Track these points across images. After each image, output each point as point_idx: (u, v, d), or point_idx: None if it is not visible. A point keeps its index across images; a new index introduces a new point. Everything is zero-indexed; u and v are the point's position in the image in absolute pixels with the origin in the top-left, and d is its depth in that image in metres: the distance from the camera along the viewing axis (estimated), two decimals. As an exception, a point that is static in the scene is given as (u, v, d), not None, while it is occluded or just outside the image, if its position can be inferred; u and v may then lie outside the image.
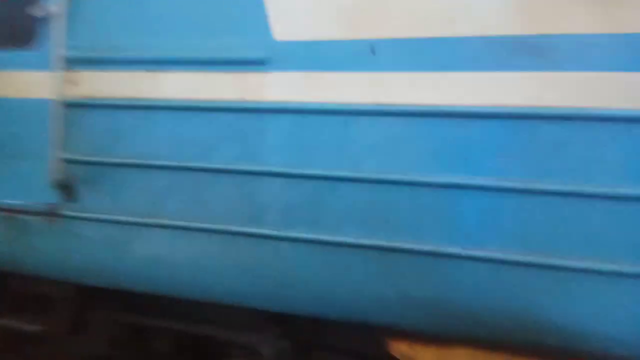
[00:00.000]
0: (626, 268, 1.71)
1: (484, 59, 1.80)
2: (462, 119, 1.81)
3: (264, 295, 2.21)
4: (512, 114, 1.75)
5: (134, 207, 2.35)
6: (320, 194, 2.04)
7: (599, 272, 1.75)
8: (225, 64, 2.17)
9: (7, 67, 2.61)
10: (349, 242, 2.00)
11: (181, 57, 2.26)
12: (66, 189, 2.47)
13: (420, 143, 1.89)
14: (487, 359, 2.02)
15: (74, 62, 2.44)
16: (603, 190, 1.71)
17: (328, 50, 2.00)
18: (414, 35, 1.88)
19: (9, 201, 2.57)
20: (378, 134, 1.94)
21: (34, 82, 2.53)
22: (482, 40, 1.80)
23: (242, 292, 2.24)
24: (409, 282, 1.96)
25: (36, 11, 2.48)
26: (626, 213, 1.69)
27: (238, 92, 2.16)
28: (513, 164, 1.78)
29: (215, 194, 2.20)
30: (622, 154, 1.64)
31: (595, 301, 1.79)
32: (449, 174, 1.85)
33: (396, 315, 2.02)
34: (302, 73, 2.09)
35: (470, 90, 1.81)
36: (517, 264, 1.82)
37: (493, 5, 1.76)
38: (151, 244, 2.34)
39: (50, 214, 2.52)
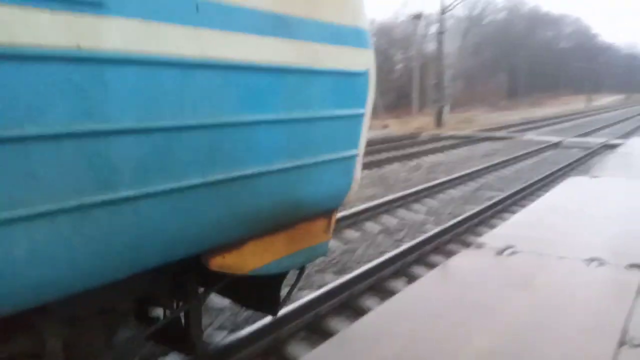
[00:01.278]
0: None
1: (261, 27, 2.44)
2: (254, 71, 2.45)
3: (124, 264, 2.06)
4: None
5: None
6: (169, 145, 2.08)
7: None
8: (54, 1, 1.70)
9: None
10: (196, 183, 2.20)
11: None
12: None
13: (233, 91, 2.33)
14: (269, 241, 2.84)
15: None
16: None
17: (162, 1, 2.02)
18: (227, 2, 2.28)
19: None
20: (208, 84, 2.22)
21: None
22: (258, 12, 2.44)
23: (101, 271, 1.99)
24: (239, 202, 2.46)
25: None
26: None
27: (72, 38, 1.75)
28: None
29: (52, 165, 1.75)
30: None
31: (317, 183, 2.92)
32: (252, 114, 2.43)
33: (224, 234, 2.48)
34: (140, 21, 1.94)
35: (255, 49, 2.43)
36: (285, 170, 2.66)
37: None
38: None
39: None
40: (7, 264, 1.67)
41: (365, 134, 3.31)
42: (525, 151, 16.52)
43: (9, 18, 1.60)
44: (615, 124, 32.11)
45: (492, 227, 7.40)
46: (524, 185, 10.83)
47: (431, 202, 9.59)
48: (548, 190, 8.77)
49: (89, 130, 1.83)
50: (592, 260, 4.78)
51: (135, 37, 1.94)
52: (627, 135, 22.62)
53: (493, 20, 67.46)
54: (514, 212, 8.02)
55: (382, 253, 6.31)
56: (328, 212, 3.26)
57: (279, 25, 2.59)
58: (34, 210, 1.71)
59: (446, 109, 28.52)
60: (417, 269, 6.05)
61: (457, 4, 28.64)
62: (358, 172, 3.31)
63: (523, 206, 8.30)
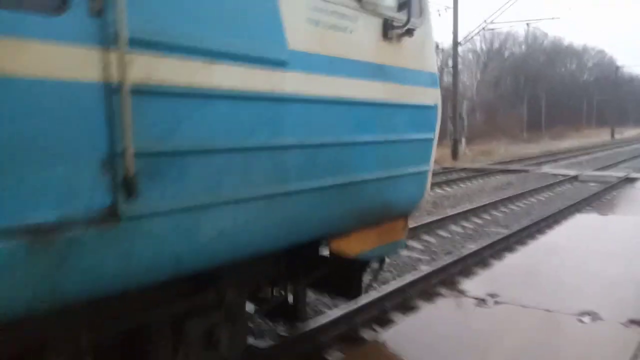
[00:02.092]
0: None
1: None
2: (364, 105, 3.48)
3: (287, 236, 3.10)
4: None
5: (196, 190, 2.46)
6: (315, 156, 3.13)
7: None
8: (258, 62, 2.74)
9: (21, 33, 1.83)
10: (329, 184, 3.22)
11: (231, 51, 2.57)
12: (129, 186, 2.16)
13: (351, 119, 3.38)
14: (366, 234, 3.76)
15: (130, 41, 2.11)
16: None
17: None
18: (349, 57, 3.35)
19: (41, 219, 1.91)
20: (337, 114, 3.32)
21: (70, 59, 1.97)
22: (368, 64, 3.52)
23: (281, 238, 3.06)
24: (352, 201, 3.44)
25: None
26: None
27: (270, 85, 2.81)
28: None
29: (256, 167, 2.77)
30: None
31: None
32: (361, 136, 3.46)
33: (341, 225, 3.48)
34: (303, 73, 3.01)
35: (365, 89, 3.49)
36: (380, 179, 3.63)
37: None
38: (215, 220, 2.58)
39: (104, 220, 2.08)
40: (229, 230, 2.65)
41: (434, 154, 4.33)
42: (539, 185, 15.84)
43: (245, 74, 2.67)
44: (638, 157, 31.12)
45: (489, 267, 6.78)
46: (531, 222, 10.16)
47: (429, 239, 8.99)
48: (555, 228, 8.11)
49: (275, 145, 2.86)
50: (585, 314, 4.18)
51: (301, 84, 2.99)
52: None
53: (513, 53, 67.09)
54: (514, 252, 7.37)
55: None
56: (405, 215, 4.27)
57: (379, 73, 3.59)
58: (247, 194, 2.72)
59: (462, 141, 27.92)
60: (396, 315, 5.46)
61: (469, 39, 28.33)
62: (429, 184, 4.31)
63: (525, 245, 7.67)
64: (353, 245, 3.71)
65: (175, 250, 2.42)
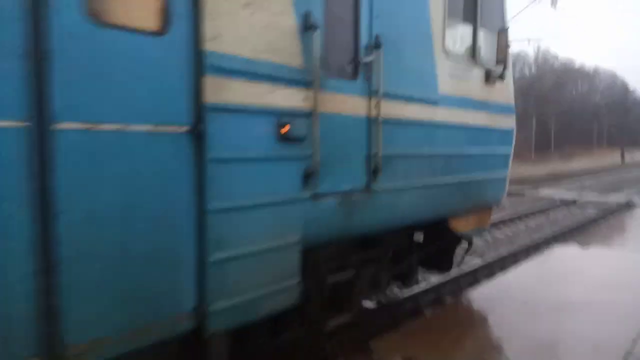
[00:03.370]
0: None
1: None
2: (474, 128, 5.48)
3: (434, 212, 5.04)
4: None
5: (401, 180, 4.39)
6: (447, 162, 5.03)
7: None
8: (426, 101, 4.68)
9: (338, 91, 3.82)
10: (453, 182, 5.10)
11: (416, 96, 4.54)
12: (374, 174, 4.10)
13: (466, 138, 5.37)
14: (469, 218, 5.66)
15: (381, 94, 4.10)
16: None
17: None
18: (460, 95, 5.25)
19: (343, 188, 3.89)
20: (459, 134, 5.25)
21: (356, 104, 3.96)
22: (474, 100, 5.49)
23: (430, 214, 5.00)
24: (465, 194, 5.33)
25: (363, 58, 3.99)
26: None
27: (428, 116, 4.69)
28: None
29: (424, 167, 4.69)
30: None
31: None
32: (471, 149, 5.46)
33: (458, 209, 5.36)
34: (444, 108, 4.90)
35: (474, 117, 5.51)
36: (482, 179, 5.65)
37: None
38: (407, 198, 4.50)
39: (365, 191, 4.09)
40: (412, 204, 4.65)
41: (510, 163, 6.19)
42: (532, 210, 15.33)
43: (420, 109, 4.63)
44: None
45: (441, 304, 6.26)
46: (509, 252, 9.59)
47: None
48: (522, 264, 7.51)
49: (431, 154, 4.75)
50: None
51: (444, 115, 4.86)
52: None
53: (523, 75, 66.53)
54: (476, 285, 6.80)
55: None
56: (491, 207, 6.14)
57: (483, 106, 5.45)
58: (420, 184, 4.62)
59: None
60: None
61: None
62: (507, 185, 6.20)
63: (476, 286, 6.94)
64: (462, 225, 5.58)
65: (391, 212, 4.39)
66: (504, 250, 10.00)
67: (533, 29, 65.60)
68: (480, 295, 5.79)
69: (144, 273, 2.67)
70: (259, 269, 3.27)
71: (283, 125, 3.32)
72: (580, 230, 12.65)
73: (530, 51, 76.95)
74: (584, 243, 8.94)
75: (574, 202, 17.98)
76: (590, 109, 75.50)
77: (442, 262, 6.01)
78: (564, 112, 63.29)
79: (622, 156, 61.17)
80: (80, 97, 2.39)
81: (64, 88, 2.32)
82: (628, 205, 16.71)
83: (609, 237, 9.92)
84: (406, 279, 5.59)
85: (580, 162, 48.25)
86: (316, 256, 3.89)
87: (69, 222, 2.35)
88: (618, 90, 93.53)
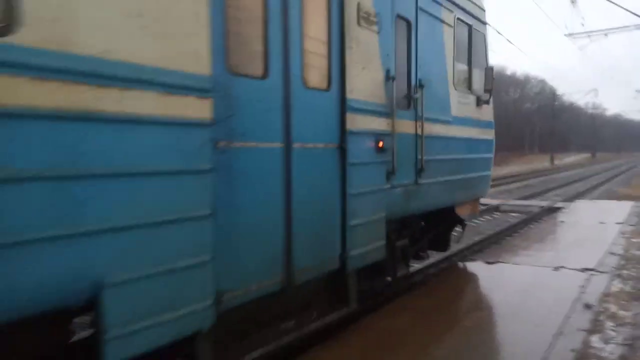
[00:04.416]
0: None
1: None
2: (472, 140, 8.08)
3: (450, 200, 7.72)
4: None
5: (433, 177, 6.62)
6: (459, 162, 7.67)
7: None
8: (444, 122, 7.23)
9: (402, 118, 5.95)
10: (460, 178, 7.70)
11: (440, 118, 6.88)
12: (419, 172, 6.30)
13: (467, 146, 7.91)
14: (466, 205, 8.19)
15: (423, 118, 6.33)
16: None
17: None
18: (462, 116, 7.62)
19: (405, 182, 6.04)
20: (460, 144, 7.66)
21: (410, 126, 6.17)
22: (472, 119, 7.98)
23: (448, 201, 7.67)
24: (465, 186, 7.76)
25: (413, 95, 6.22)
26: None
27: (445, 131, 7.45)
28: None
29: (445, 167, 7.10)
30: None
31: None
32: (470, 154, 8.03)
33: (460, 199, 7.86)
34: (456, 126, 7.49)
35: (470, 131, 7.94)
36: (476, 177, 8.19)
37: None
38: (437, 189, 6.81)
39: (414, 184, 6.26)
40: (440, 192, 7.01)
41: (492, 166, 8.85)
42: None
43: (441, 127, 6.98)
44: (571, 183, 33.03)
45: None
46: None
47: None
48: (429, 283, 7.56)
49: (449, 158, 7.17)
50: None
51: (455, 131, 7.26)
52: (577, 196, 23.16)
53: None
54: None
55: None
56: (479, 198, 8.76)
57: (475, 123, 7.92)
58: (443, 179, 6.96)
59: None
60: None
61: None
62: (490, 181, 9.00)
63: None
64: (462, 211, 8.02)
65: (429, 198, 6.66)
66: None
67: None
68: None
69: (319, 229, 4.64)
70: (369, 232, 5.32)
71: (379, 142, 5.35)
72: (498, 239, 12.34)
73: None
74: (494, 255, 8.86)
75: (497, 208, 18.11)
76: (522, 115, 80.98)
77: (441, 243, 8.23)
78: (498, 118, 67.83)
79: (552, 160, 66.44)
80: (301, 130, 4.35)
81: (296, 125, 4.27)
82: (550, 209, 17.15)
83: (523, 247, 9.57)
84: (441, 245, 8.29)
85: (513, 167, 51.88)
86: (389, 228, 5.93)
87: (297, 199, 4.30)
88: (547, 96, 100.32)
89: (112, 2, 2.87)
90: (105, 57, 2.82)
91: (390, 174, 5.60)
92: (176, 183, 3.24)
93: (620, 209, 15.15)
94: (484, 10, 8.33)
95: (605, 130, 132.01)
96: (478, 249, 10.72)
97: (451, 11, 7.12)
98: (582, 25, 45.33)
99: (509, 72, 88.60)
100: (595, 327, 5.21)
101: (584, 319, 5.43)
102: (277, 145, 4.17)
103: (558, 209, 16.65)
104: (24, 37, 2.49)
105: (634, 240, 10.20)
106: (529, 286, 6.75)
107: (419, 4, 6.23)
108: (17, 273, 2.49)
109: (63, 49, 2.64)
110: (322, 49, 4.73)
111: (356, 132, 5.03)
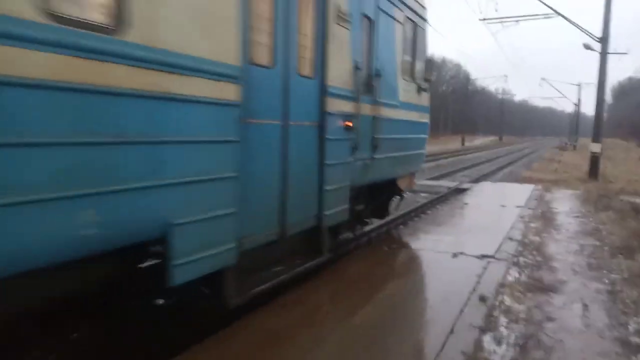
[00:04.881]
0: None
1: None
2: (412, 122, 9.32)
3: (391, 174, 9.02)
4: None
5: (384, 153, 7.83)
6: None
7: None
8: (393, 106, 7.64)
9: (363, 102, 6.96)
10: (405, 154, 9.09)
11: (412, 103, 9.08)
12: (374, 149, 7.49)
13: (408, 127, 9.22)
14: (404, 179, 9.57)
15: (378, 103, 7.50)
16: None
17: None
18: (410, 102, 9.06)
19: (364, 156, 7.27)
20: (406, 126, 9.05)
21: (369, 109, 7.22)
22: (414, 104, 9.33)
23: (389, 175, 8.97)
24: (406, 162, 9.18)
25: (372, 83, 7.34)
26: None
27: (394, 114, 7.16)
28: None
29: (396, 144, 8.77)
30: None
31: None
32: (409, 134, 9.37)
33: (401, 173, 9.20)
34: (402, 110, 8.94)
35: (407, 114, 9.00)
36: (412, 155, 9.48)
37: None
38: (386, 163, 8.07)
39: (370, 159, 7.38)
40: (388, 166, 8.31)
41: (426, 144, 10.39)
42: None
43: (393, 111, 8.19)
44: (478, 164, 34.47)
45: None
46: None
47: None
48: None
49: (395, 137, 8.41)
50: None
51: (401, 114, 8.58)
52: (483, 178, 24.38)
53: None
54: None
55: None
56: (414, 173, 10.26)
57: (416, 108, 9.29)
58: (383, 155, 7.92)
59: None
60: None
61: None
62: (424, 159, 10.72)
63: None
64: (402, 184, 9.23)
65: (380, 171, 7.93)
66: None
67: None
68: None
69: (304, 192, 5.72)
70: (339, 197, 6.47)
71: (348, 122, 6.45)
72: (403, 220, 12.23)
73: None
74: (397, 239, 9.03)
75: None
76: (438, 97, 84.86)
77: (381, 211, 9.55)
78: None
79: (463, 141, 70.65)
80: (295, 110, 5.37)
81: (292, 107, 5.28)
82: (458, 190, 17.66)
83: (425, 231, 9.81)
84: (381, 213, 9.57)
85: (427, 147, 54.60)
86: (351, 194, 7.09)
87: (291, 167, 5.33)
88: (461, 80, 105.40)
89: (180, 9, 3.77)
90: (175, 50, 3.72)
91: (354, 149, 6.73)
92: (216, 150, 4.20)
93: (521, 192, 15.88)
94: (426, 9, 9.58)
95: (513, 115, 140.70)
96: (385, 231, 10.64)
97: (402, 10, 8.29)
98: (496, 11, 48.32)
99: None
100: (489, 324, 5.11)
101: (478, 314, 5.33)
102: (278, 122, 5.18)
103: (464, 190, 17.21)
104: (132, 36, 3.37)
105: (532, 225, 10.52)
106: (425, 275, 6.95)
107: (379, 4, 7.33)
108: (122, 212, 3.40)
109: (150, 45, 3.53)
110: (310, 43, 5.76)
111: (332, 113, 6.11)
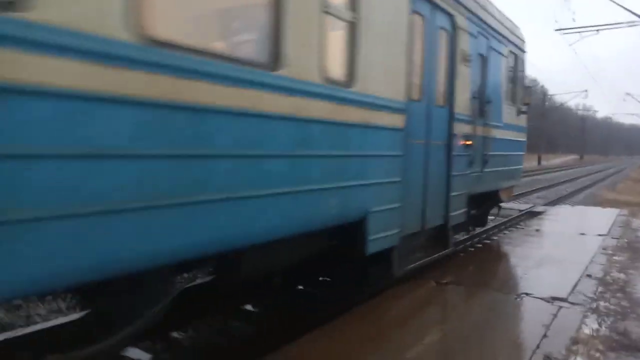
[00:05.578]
0: None
1: None
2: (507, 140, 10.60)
3: (496, 186, 10.56)
4: None
5: (491, 167, 9.66)
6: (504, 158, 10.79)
7: None
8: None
9: (477, 125, 8.81)
10: (503, 169, 10.66)
11: (505, 124, 10.50)
12: (484, 164, 9.43)
13: (505, 144, 10.63)
14: (505, 191, 11.24)
15: (488, 124, 9.50)
16: None
17: None
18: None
19: (477, 170, 9.17)
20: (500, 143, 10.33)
21: (481, 130, 8.99)
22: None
23: (493, 186, 10.37)
24: (504, 176, 10.61)
25: (484, 108, 9.02)
26: None
27: (501, 133, 7.89)
28: None
29: (501, 160, 10.39)
30: None
31: None
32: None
33: (503, 185, 10.77)
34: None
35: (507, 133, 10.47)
36: (509, 170, 10.88)
37: None
38: (493, 176, 9.90)
39: (481, 172, 8.78)
40: (488, 178, 9.60)
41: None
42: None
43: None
44: (555, 185, 33.06)
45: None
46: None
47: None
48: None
49: (500, 154, 10.12)
50: None
51: (504, 133, 10.30)
52: (560, 200, 23.46)
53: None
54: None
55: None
56: (513, 186, 11.93)
57: (516, 128, 11.06)
58: (496, 169, 10.01)
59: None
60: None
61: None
62: (521, 173, 12.57)
63: None
64: (504, 194, 10.81)
65: (489, 182, 9.52)
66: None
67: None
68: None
69: (437, 196, 7.47)
70: (460, 202, 8.24)
71: (467, 140, 8.20)
72: (463, 248, 11.01)
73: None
74: (451, 271, 7.84)
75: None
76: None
77: (482, 219, 11.15)
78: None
79: (539, 160, 69.90)
80: (433, 132, 7.21)
81: (431, 130, 7.06)
82: (530, 213, 17.04)
83: (487, 260, 8.92)
84: (481, 222, 11.17)
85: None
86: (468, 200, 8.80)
87: (429, 177, 7.11)
88: (538, 96, 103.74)
89: (380, 70, 5.68)
90: (374, 94, 5.60)
91: (471, 164, 8.41)
92: (392, 162, 6.06)
93: (603, 217, 14.31)
94: (525, 42, 11.21)
95: (594, 132, 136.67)
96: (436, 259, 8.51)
97: (506, 46, 9.99)
98: (574, 20, 47.30)
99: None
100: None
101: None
102: (423, 142, 6.96)
103: (538, 213, 16.15)
104: (358, 87, 5.28)
105: (616, 258, 8.99)
106: (479, 325, 5.47)
107: (490, 44, 9.05)
108: (348, 201, 5.31)
109: (365, 92, 5.43)
110: (443, 80, 7.56)
111: (456, 134, 7.85)
